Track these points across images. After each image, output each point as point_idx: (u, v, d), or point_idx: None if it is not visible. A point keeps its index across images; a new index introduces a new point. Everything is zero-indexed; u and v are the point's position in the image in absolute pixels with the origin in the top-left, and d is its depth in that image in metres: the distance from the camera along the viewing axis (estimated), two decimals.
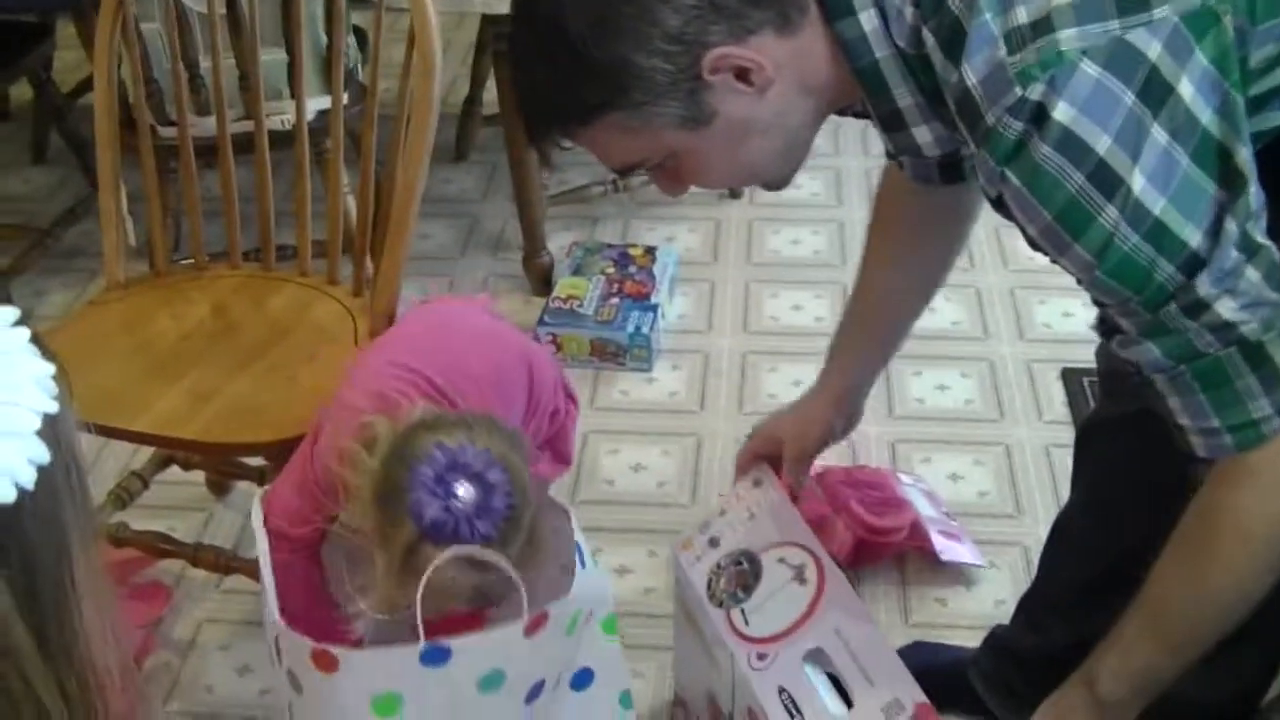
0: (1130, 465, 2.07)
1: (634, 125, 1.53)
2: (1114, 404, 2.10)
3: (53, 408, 0.88)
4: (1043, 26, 1.41)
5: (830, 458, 2.94)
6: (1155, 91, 1.40)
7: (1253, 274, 1.47)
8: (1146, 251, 1.45)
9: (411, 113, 2.29)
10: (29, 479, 0.85)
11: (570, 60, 1.51)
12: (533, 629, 1.74)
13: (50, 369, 0.89)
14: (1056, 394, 3.20)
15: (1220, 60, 1.42)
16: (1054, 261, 1.54)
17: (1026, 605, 2.34)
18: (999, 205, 1.52)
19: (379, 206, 2.48)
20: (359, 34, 3.31)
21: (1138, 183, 1.41)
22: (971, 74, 1.44)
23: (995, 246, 3.71)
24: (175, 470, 2.72)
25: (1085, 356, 3.16)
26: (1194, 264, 1.45)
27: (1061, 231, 1.46)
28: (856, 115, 1.74)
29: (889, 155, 1.96)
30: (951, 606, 2.67)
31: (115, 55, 2.46)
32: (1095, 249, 1.46)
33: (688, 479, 2.98)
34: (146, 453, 2.70)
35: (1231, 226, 1.45)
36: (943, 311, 3.46)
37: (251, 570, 2.49)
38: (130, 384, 2.29)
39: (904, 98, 1.56)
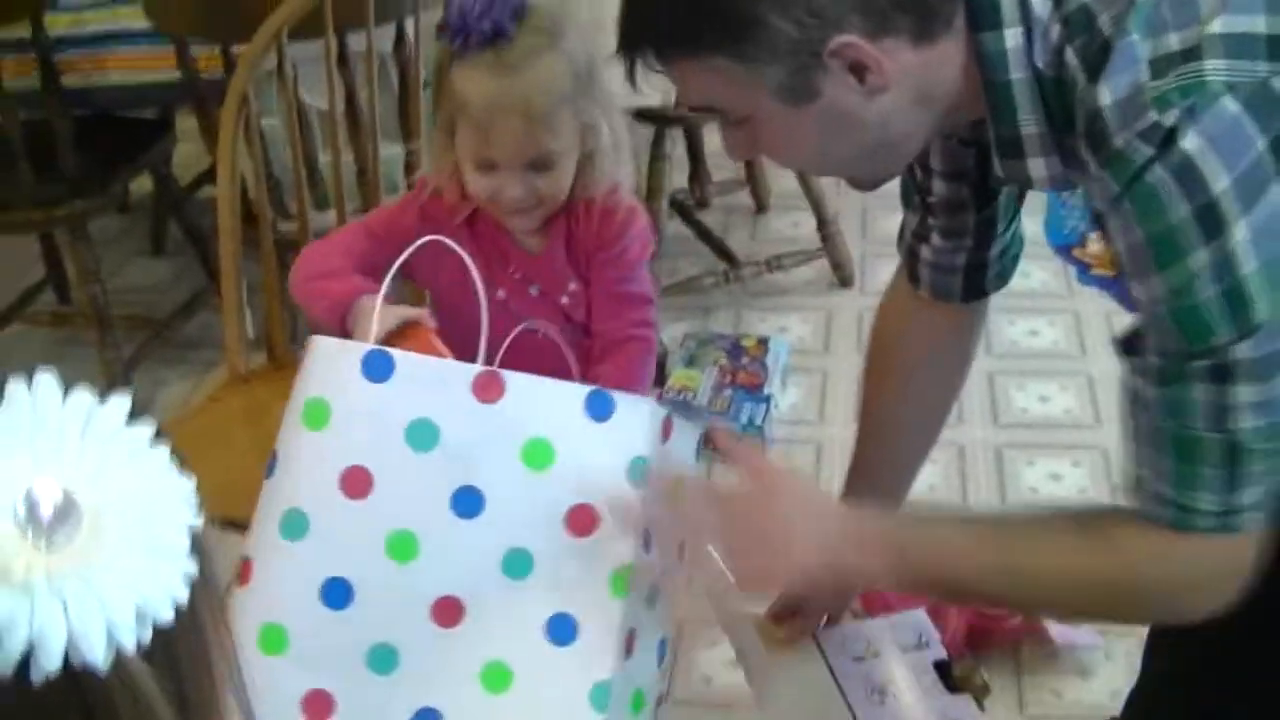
0: None
1: (735, 75, 1.49)
2: None
3: (198, 522, 0.90)
4: (1192, 54, 1.37)
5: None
6: None
7: None
8: (1216, 308, 1.40)
9: None
10: (185, 597, 0.87)
11: None
12: (485, 391, 1.61)
13: (192, 483, 0.91)
14: None
15: None
16: (1127, 284, 1.50)
17: (1134, 699, 2.31)
18: (1098, 221, 1.49)
19: None
20: None
21: (1239, 235, 1.37)
22: (1109, 94, 1.39)
23: (1106, 332, 3.68)
24: None
25: None
26: (1250, 333, 1.41)
27: (1149, 256, 1.42)
28: (962, 142, 1.70)
29: (909, 266, 1.95)
30: (1067, 698, 2.65)
31: (237, 151, 2.51)
32: (1173, 285, 1.41)
33: None
34: None
35: None
36: (1055, 400, 3.45)
37: None
38: (251, 475, 2.31)
39: (1029, 125, 1.51)
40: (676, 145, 3.96)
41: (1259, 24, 1.38)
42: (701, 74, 1.52)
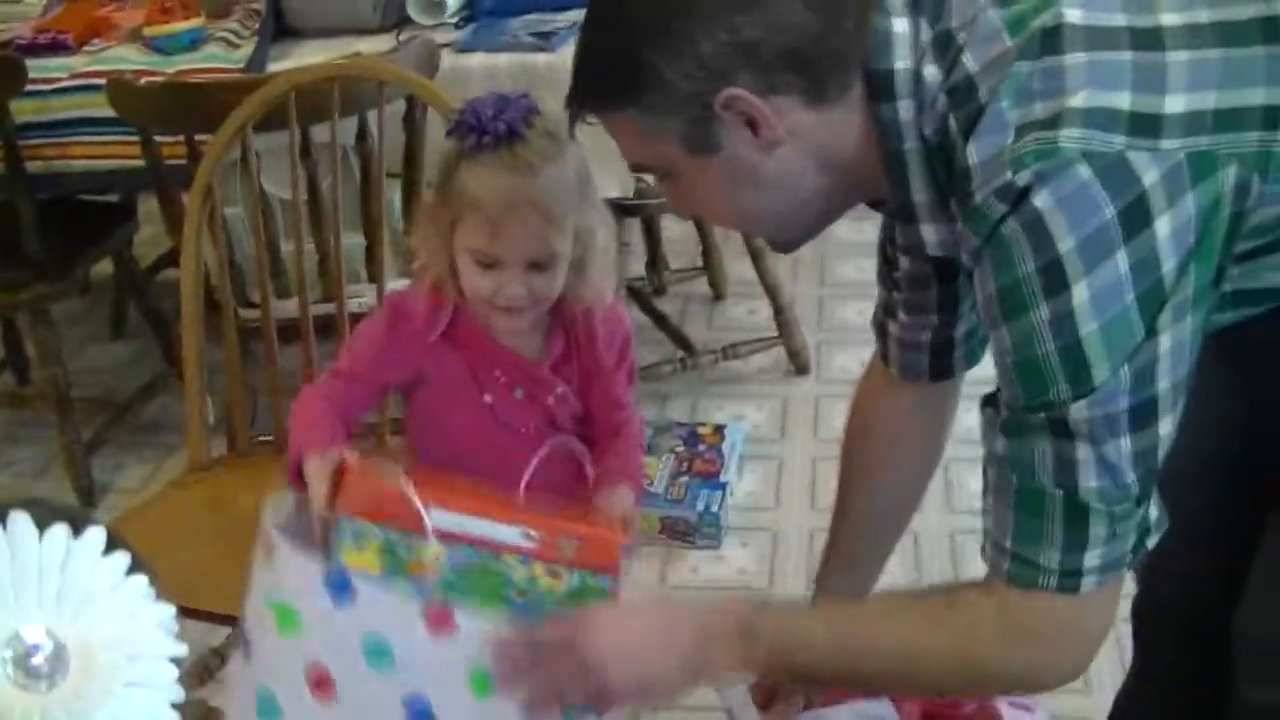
0: (1182, 646, 2.08)
1: (646, 127, 1.56)
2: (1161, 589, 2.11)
3: (181, 650, 0.91)
4: (1052, 123, 1.42)
5: None
6: (1135, 218, 1.41)
7: (1124, 443, 1.47)
8: (1053, 365, 1.45)
9: None
10: None
11: (612, 42, 1.56)
12: (437, 626, 1.66)
13: (171, 610, 0.93)
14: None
15: (1208, 211, 1.43)
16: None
17: None
18: (970, 278, 1.53)
19: None
20: None
21: (1080, 296, 1.41)
22: (975, 154, 1.46)
23: None
24: None
25: None
26: (1083, 401, 1.45)
27: (997, 308, 1.47)
28: (876, 205, 1.72)
29: (880, 344, 1.99)
30: None
31: (201, 241, 2.53)
32: (1016, 338, 1.46)
33: None
34: (223, 629, 2.73)
35: (1125, 378, 1.45)
36: None
37: None
38: (213, 564, 2.31)
39: (919, 192, 1.57)
40: (634, 233, 4.00)
41: (1123, 100, 1.43)
42: (623, 128, 1.60)
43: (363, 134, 2.91)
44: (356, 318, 2.62)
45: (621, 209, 3.54)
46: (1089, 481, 1.49)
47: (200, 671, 2.62)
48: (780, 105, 1.53)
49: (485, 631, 1.68)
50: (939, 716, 2.68)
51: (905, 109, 1.53)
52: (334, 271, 2.62)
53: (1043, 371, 1.46)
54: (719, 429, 3.64)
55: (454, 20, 3.38)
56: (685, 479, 3.42)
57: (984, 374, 2.01)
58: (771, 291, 3.89)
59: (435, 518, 1.76)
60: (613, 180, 3.19)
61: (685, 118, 1.54)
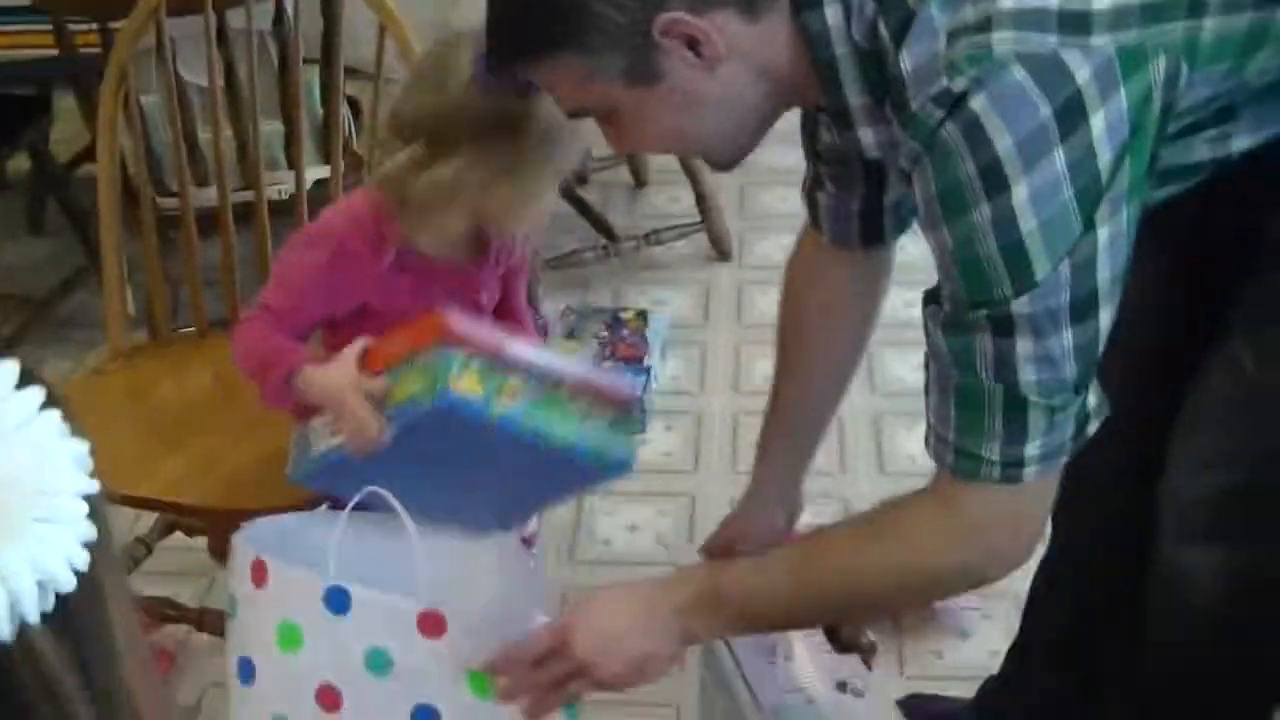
0: (1109, 522, 2.12)
1: (585, 69, 1.56)
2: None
3: (93, 486, 0.91)
4: (983, 26, 1.44)
5: (824, 517, 2.98)
6: (1070, 116, 1.43)
7: (1066, 336, 1.50)
8: (997, 264, 1.47)
9: None
10: (84, 561, 0.88)
11: None
12: (429, 629, 1.70)
13: (85, 446, 0.92)
14: None
15: (1140, 103, 1.45)
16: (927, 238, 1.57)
17: (1014, 655, 2.38)
18: (908, 181, 1.55)
19: None
20: (352, 104, 3.35)
21: (1020, 194, 1.44)
22: (908, 61, 1.47)
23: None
24: (178, 536, 2.74)
25: None
26: (1025, 296, 1.48)
27: (938, 209, 1.49)
28: (818, 109, 1.75)
29: (811, 214, 2.01)
30: (947, 659, 2.70)
31: (116, 130, 2.50)
32: (957, 238, 1.48)
33: (683, 537, 3.01)
34: (149, 519, 2.73)
35: (1065, 272, 1.48)
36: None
37: None
38: (135, 451, 2.33)
39: (855, 96, 1.58)
40: None
41: (1051, 0, 1.45)
42: (559, 75, 1.60)
43: (279, 18, 2.89)
44: (276, 205, 2.62)
45: None
46: (1028, 375, 1.51)
47: (125, 561, 2.62)
48: (717, 22, 1.53)
49: (474, 629, 1.72)
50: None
51: (832, 15, 1.53)
52: (253, 159, 2.60)
53: (984, 271, 1.48)
54: (642, 314, 3.65)
55: None
56: (609, 364, 3.43)
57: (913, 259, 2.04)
58: (693, 178, 3.90)
59: (512, 347, 1.82)
60: None
61: (625, 50, 1.54)
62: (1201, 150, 1.61)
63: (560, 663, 1.71)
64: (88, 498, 0.90)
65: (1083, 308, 1.50)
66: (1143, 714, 2.09)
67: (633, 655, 1.72)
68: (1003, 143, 1.42)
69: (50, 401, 0.92)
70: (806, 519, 2.96)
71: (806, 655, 2.16)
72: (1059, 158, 1.43)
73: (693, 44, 1.53)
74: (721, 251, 4.01)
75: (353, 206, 2.06)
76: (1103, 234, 1.48)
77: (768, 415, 2.17)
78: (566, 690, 1.74)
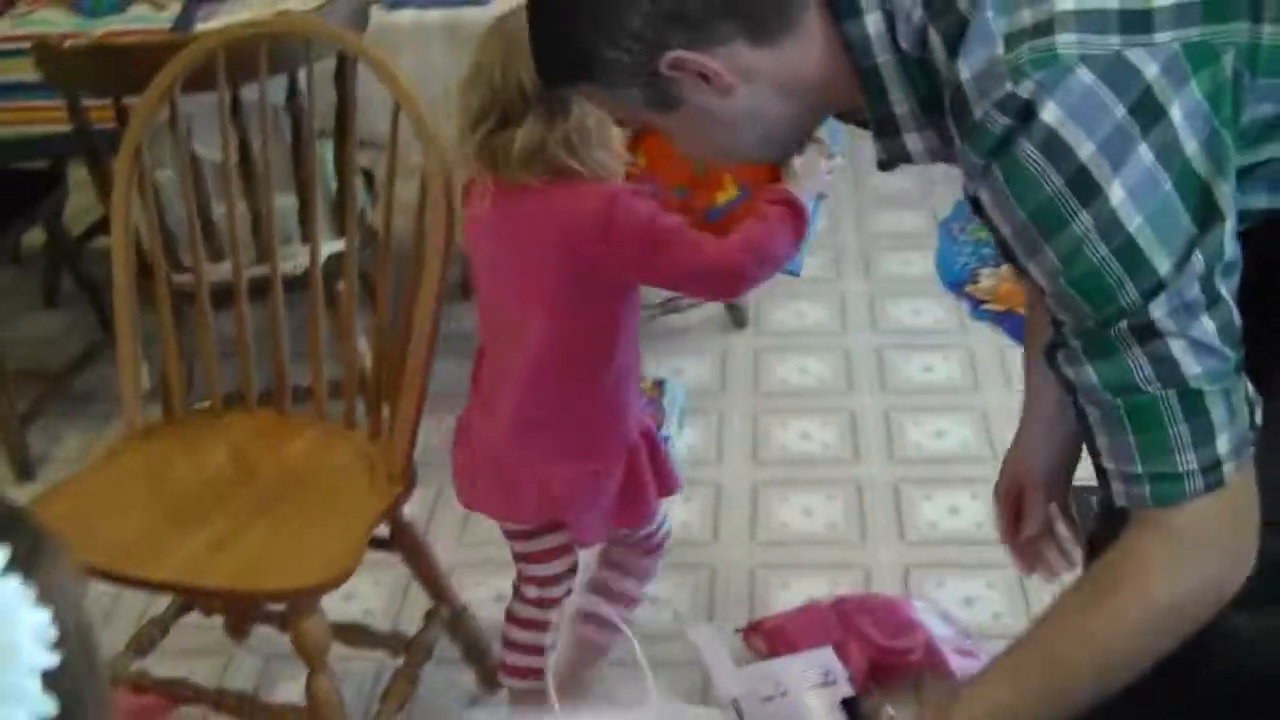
0: None
1: (608, 98, 1.62)
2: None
3: (53, 661, 0.87)
4: (1043, 29, 1.43)
5: (843, 586, 2.98)
6: (1147, 110, 1.41)
7: (1208, 322, 1.48)
8: (1114, 268, 1.45)
9: (424, 262, 2.33)
10: None
11: (552, 29, 1.60)
12: None
13: (46, 616, 0.89)
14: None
15: (1214, 96, 1.44)
16: (1020, 272, 1.54)
17: None
18: (977, 208, 1.54)
19: (376, 352, 2.53)
20: (366, 177, 3.35)
21: (1116, 195, 1.42)
22: (966, 69, 1.45)
23: (1000, 367, 3.74)
24: (194, 615, 2.72)
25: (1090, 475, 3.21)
26: (1156, 290, 1.45)
27: (1034, 232, 1.47)
28: (858, 124, 1.73)
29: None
30: None
31: (131, 206, 2.50)
32: (1064, 254, 1.46)
33: (702, 610, 2.99)
34: (165, 597, 2.71)
35: (1199, 263, 1.45)
36: (951, 434, 3.49)
37: (272, 715, 2.51)
38: (151, 532, 2.31)
39: (900, 104, 1.57)
40: None
41: (1111, 0, 1.44)
42: (591, 97, 1.68)
43: (293, 92, 2.88)
44: (291, 280, 2.61)
45: None
46: (1193, 368, 1.48)
47: (141, 641, 2.60)
48: (724, 54, 1.53)
49: None
50: (886, 665, 2.72)
51: (873, 23, 1.53)
52: (267, 233, 2.59)
53: (1104, 280, 1.46)
54: (659, 383, 3.62)
55: None
56: None
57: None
58: None
59: None
60: None
61: (639, 85, 1.56)
62: (1259, 196, 1.57)
63: None
64: (53, 674, 0.86)
65: (1212, 291, 1.47)
66: None
67: None
68: (1085, 149, 1.41)
69: (20, 556, 0.88)
70: (825, 589, 2.97)
71: None
72: (1145, 153, 1.42)
73: (704, 76, 1.54)
74: (738, 319, 3.99)
75: (608, 193, 2.13)
76: (1214, 222, 1.46)
77: (1026, 350, 2.17)
78: None
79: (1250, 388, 1.55)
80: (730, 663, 2.31)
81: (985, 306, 4.03)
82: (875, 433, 3.54)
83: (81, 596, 0.92)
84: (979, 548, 3.14)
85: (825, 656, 2.47)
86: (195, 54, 2.47)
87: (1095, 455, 1.58)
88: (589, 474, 2.33)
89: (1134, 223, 1.43)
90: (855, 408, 3.63)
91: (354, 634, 2.63)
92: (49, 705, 0.85)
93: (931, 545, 3.16)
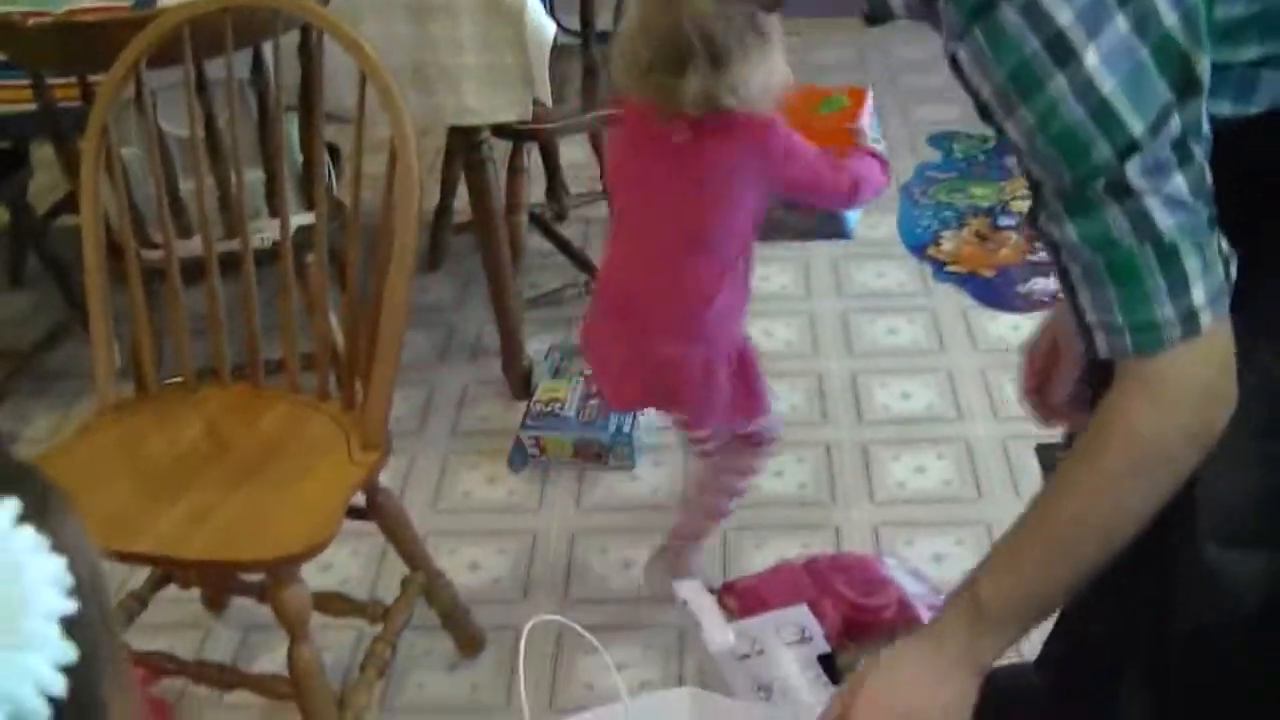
0: None
1: None
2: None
3: (71, 607, 0.88)
4: None
5: (815, 546, 3.01)
6: None
7: (1181, 180, 1.52)
8: (1088, 127, 1.49)
9: (394, 233, 2.35)
10: (60, 687, 0.86)
11: None
12: None
13: (61, 563, 0.89)
14: (1032, 469, 3.25)
15: None
16: (999, 133, 1.58)
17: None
18: (955, 68, 1.57)
19: (349, 322, 2.54)
20: (331, 151, 3.35)
21: (1090, 59, 1.46)
22: None
23: (964, 328, 3.78)
24: (172, 588, 2.73)
25: (1057, 431, 3.25)
26: (1130, 150, 1.50)
27: (1011, 93, 1.51)
28: None
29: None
30: None
31: (99, 184, 2.50)
32: (1040, 114, 1.50)
33: (677, 569, 3.00)
34: (143, 571, 2.72)
35: (1175, 128, 1.50)
36: (917, 396, 3.52)
37: (253, 684, 2.52)
38: (129, 506, 2.32)
39: None
40: (533, 159, 4.00)
41: None
42: None
43: (258, 66, 2.88)
44: (260, 254, 2.62)
45: (519, 133, 3.54)
46: (1166, 221, 1.53)
47: (120, 616, 2.61)
48: None
49: None
50: (860, 621, 2.75)
51: None
52: (236, 208, 2.60)
53: (1078, 134, 1.50)
54: None
55: None
56: (596, 401, 3.43)
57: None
58: None
59: None
60: (509, 104, 3.18)
61: None
62: (1223, 103, 1.62)
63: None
64: (71, 620, 0.87)
65: (1184, 150, 1.52)
66: (1162, 700, 2.08)
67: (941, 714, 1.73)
68: (1063, 16, 1.45)
69: (31, 508, 0.89)
70: (796, 549, 3.00)
71: (803, 686, 2.17)
72: (1121, 23, 1.46)
73: None
74: None
75: (763, 124, 2.51)
76: (1192, 93, 1.51)
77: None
78: None
79: (1224, 243, 1.59)
80: (719, 615, 2.33)
81: (948, 269, 4.06)
82: (842, 395, 3.57)
83: (92, 549, 0.93)
84: (947, 506, 3.18)
85: (800, 614, 2.49)
86: (160, 30, 2.47)
87: (1079, 314, 1.63)
88: (703, 360, 2.65)
89: (1108, 85, 1.47)
90: (822, 370, 3.66)
91: (332, 602, 2.64)
92: (69, 652, 0.85)
93: (900, 504, 3.20)
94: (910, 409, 3.51)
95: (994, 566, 1.74)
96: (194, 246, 2.71)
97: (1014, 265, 4.09)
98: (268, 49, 2.73)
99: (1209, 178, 1.56)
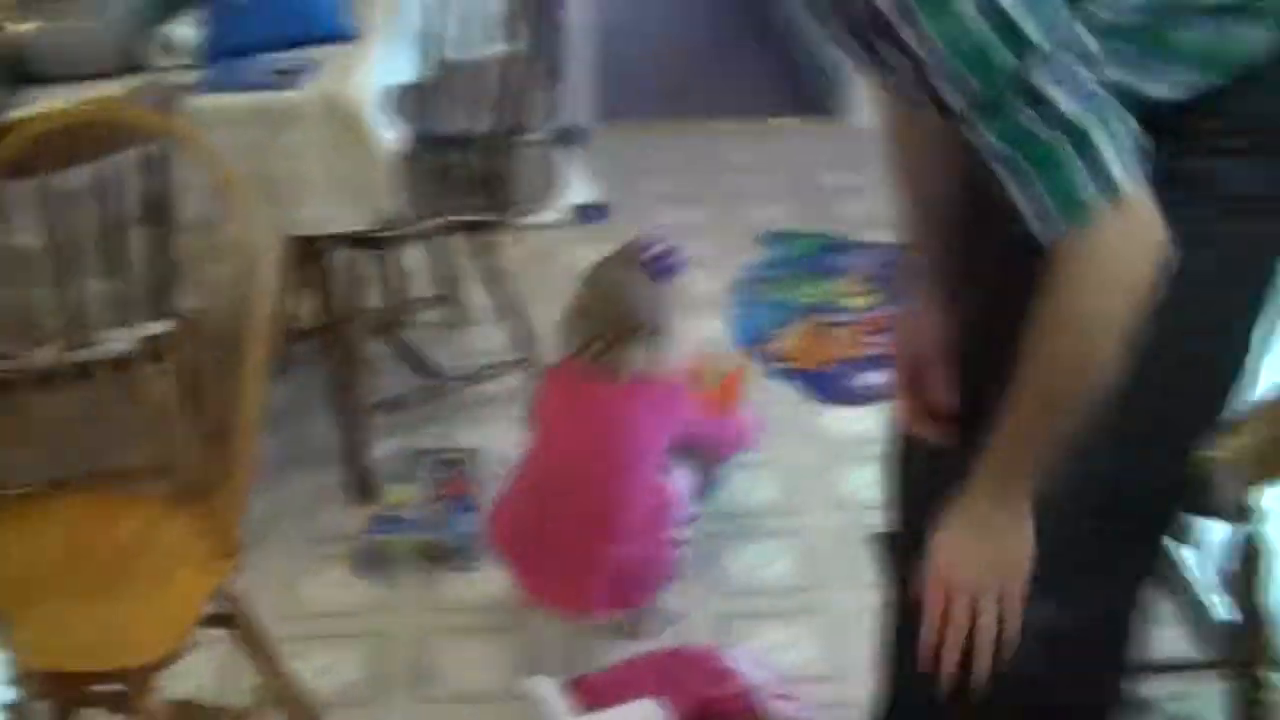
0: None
1: None
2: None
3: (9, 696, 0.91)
4: None
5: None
6: None
7: (1082, 71, 1.65)
8: (990, 39, 1.61)
9: (248, 339, 2.38)
10: None
11: None
12: None
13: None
14: (868, 558, 3.35)
15: None
16: (905, 55, 1.69)
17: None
18: None
19: (211, 426, 2.56)
20: (179, 262, 3.37)
21: None
22: None
23: (799, 423, 3.88)
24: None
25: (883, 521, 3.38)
26: (1029, 55, 1.62)
27: (916, 13, 1.62)
28: None
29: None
30: None
31: None
32: (945, 29, 1.62)
33: (525, 668, 3.05)
34: None
35: (1069, 28, 1.64)
36: (757, 490, 3.61)
37: None
38: None
39: None
40: (371, 267, 4.05)
41: None
42: None
43: (107, 179, 2.91)
44: (110, 364, 2.64)
45: (362, 241, 3.59)
46: (1073, 106, 1.65)
47: None
48: None
49: None
50: (706, 713, 2.81)
51: None
52: (85, 318, 2.62)
53: (982, 48, 1.62)
54: (471, 453, 3.70)
55: (193, 63, 3.37)
56: (441, 503, 3.48)
57: None
58: (515, 316, 3.97)
59: None
60: (357, 213, 3.24)
61: None
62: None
63: (957, 612, 1.90)
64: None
65: (1078, 44, 1.66)
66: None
67: (995, 560, 1.91)
68: None
69: None
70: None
71: None
72: None
73: None
74: None
75: (674, 385, 3.16)
76: None
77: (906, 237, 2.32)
78: (986, 625, 1.91)
79: (1131, 119, 1.72)
80: (569, 711, 2.39)
81: (781, 365, 4.17)
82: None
83: None
84: (789, 596, 3.26)
85: (650, 707, 2.56)
86: (11, 143, 2.49)
87: (1015, 217, 1.74)
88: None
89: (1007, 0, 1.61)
90: None
91: (188, 711, 2.65)
92: None
93: (742, 596, 3.28)
94: (750, 503, 3.59)
95: (998, 424, 1.87)
96: (45, 357, 2.72)
97: (847, 360, 4.22)
98: (117, 162, 2.75)
99: (1105, 67, 1.69)
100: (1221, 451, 1.52)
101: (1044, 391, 1.83)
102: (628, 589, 3.13)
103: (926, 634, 1.92)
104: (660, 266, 3.13)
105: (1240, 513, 1.57)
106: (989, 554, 1.92)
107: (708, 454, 3.39)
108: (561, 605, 3.16)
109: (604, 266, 3.19)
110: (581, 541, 3.08)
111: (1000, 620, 1.93)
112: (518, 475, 3.25)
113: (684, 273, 3.17)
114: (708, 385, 3.41)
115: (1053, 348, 1.80)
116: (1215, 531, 2.59)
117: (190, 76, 3.28)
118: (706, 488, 3.42)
